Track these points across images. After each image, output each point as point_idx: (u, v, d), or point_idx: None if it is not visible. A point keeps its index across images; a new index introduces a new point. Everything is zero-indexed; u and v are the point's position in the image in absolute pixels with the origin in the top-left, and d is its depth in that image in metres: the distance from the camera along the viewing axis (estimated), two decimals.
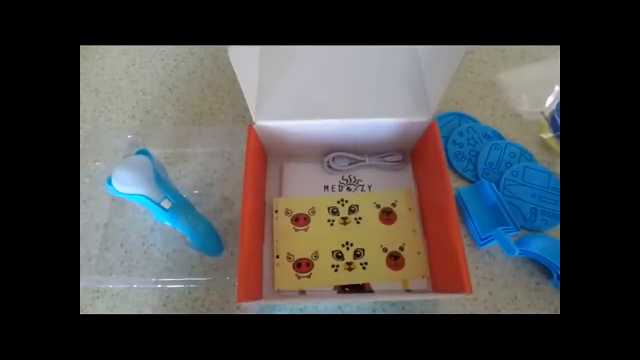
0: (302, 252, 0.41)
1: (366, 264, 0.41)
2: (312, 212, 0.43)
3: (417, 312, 0.41)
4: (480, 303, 0.42)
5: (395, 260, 0.41)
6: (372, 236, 0.42)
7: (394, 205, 0.44)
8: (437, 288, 0.40)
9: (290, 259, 0.41)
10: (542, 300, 0.42)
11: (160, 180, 0.42)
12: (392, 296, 0.41)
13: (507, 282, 0.43)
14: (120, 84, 0.57)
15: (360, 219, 0.43)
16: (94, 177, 0.49)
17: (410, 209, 0.44)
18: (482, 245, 0.43)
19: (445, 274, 0.38)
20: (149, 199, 0.41)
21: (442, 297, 0.41)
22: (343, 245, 0.42)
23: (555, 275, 0.41)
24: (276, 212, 0.43)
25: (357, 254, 0.41)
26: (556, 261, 0.40)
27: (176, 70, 0.58)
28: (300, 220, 0.43)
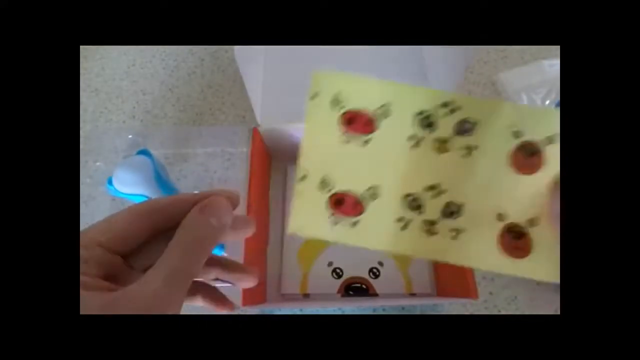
0: (349, 179, 0.23)
1: (460, 231, 0.23)
2: (384, 114, 0.23)
3: (417, 312, 0.41)
4: (480, 303, 0.42)
5: (516, 240, 0.23)
6: (488, 187, 0.23)
7: (549, 139, 0.24)
8: (441, 292, 0.39)
9: (325, 185, 0.23)
10: (542, 300, 0.42)
11: (161, 180, 0.42)
12: (397, 301, 0.40)
13: (507, 282, 0.42)
14: (120, 84, 0.57)
15: (474, 148, 0.22)
16: (94, 177, 0.49)
17: None
18: None
19: (451, 277, 0.37)
20: (149, 199, 0.41)
21: (447, 302, 0.40)
22: (427, 189, 0.23)
23: None
24: (314, 96, 0.23)
25: (450, 211, 0.23)
26: None
27: (176, 70, 0.58)
28: (358, 123, 0.23)
